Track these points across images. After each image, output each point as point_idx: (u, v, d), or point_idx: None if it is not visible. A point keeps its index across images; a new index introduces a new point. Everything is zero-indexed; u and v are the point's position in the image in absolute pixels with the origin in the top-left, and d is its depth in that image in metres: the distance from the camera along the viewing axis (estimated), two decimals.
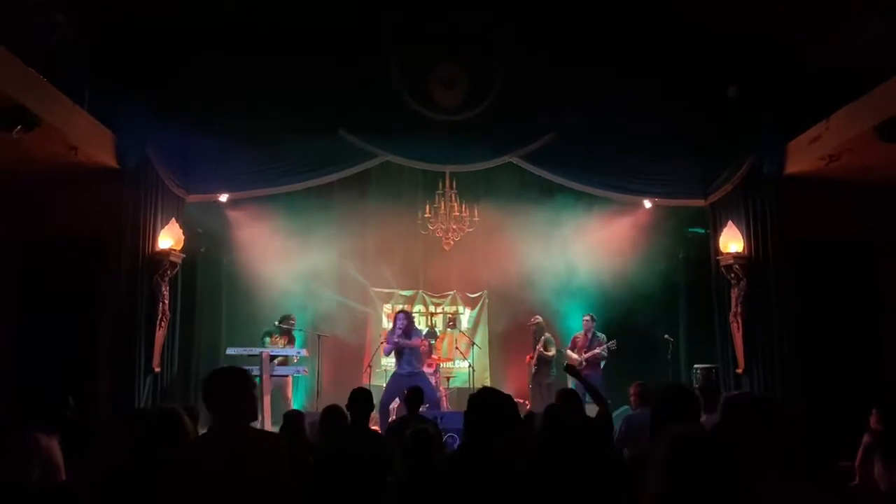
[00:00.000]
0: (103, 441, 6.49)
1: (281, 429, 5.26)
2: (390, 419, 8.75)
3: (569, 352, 9.88)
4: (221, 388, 2.77)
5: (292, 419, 5.16)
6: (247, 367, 8.30)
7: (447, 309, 11.70)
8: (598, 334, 9.70)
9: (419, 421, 5.49)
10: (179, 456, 2.80)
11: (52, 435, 4.07)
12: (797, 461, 2.00)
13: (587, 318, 9.77)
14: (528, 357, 10.31)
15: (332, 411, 4.90)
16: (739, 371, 8.12)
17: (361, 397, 4.49)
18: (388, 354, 8.89)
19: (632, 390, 5.87)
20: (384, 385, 10.19)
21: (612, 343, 9.44)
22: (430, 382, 8.96)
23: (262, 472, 2.67)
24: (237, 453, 2.64)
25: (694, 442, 1.83)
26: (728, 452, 1.81)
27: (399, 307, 11.46)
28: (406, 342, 8.58)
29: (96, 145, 7.24)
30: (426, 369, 9.96)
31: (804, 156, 7.59)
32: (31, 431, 4.02)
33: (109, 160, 7.50)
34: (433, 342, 10.93)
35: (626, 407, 9.04)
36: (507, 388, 11.07)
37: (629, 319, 10.05)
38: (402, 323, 8.66)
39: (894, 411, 4.93)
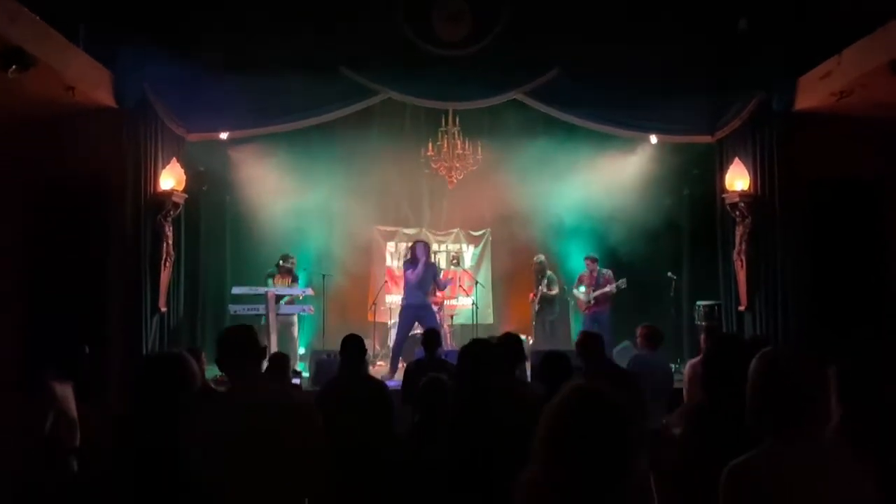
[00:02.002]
0: (115, 385, 6.60)
1: (265, 371, 5.28)
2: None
3: (576, 290, 9.93)
4: (237, 346, 2.84)
5: (278, 362, 5.16)
6: (253, 306, 8.48)
7: (450, 247, 11.70)
8: (604, 271, 9.74)
9: (438, 364, 5.52)
10: (214, 412, 2.83)
11: (66, 383, 4.10)
12: (810, 416, 2.01)
13: (589, 260, 9.78)
14: (531, 294, 10.37)
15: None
16: (741, 308, 8.17)
17: (353, 344, 4.51)
18: (409, 282, 8.83)
19: (639, 331, 5.92)
20: (388, 322, 10.33)
21: (623, 282, 9.47)
22: (436, 315, 9.03)
23: (294, 426, 2.72)
24: (269, 408, 2.68)
25: (584, 392, 1.85)
26: (620, 405, 1.83)
27: (403, 245, 11.51)
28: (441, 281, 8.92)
29: (93, 84, 7.09)
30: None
31: (815, 91, 7.43)
32: (46, 379, 4.06)
33: (107, 99, 7.37)
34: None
35: (626, 343, 9.21)
36: (510, 325, 11.21)
37: (632, 256, 10.07)
38: (423, 252, 8.75)
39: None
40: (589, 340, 4.86)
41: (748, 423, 2.08)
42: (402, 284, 9.58)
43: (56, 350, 4.29)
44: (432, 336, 5.83)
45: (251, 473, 2.67)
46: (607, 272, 9.73)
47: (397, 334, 8.77)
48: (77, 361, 4.22)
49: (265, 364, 6.01)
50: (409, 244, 9.55)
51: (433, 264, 8.98)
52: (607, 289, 9.54)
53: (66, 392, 4.02)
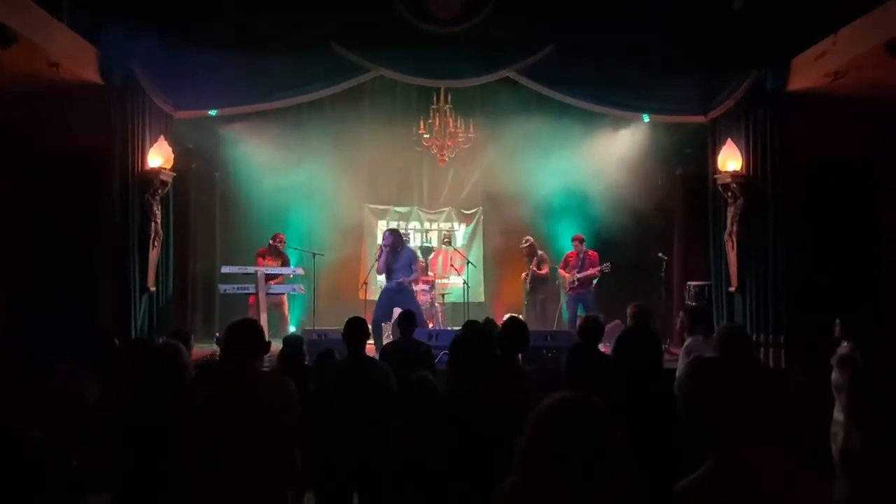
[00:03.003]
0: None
1: (280, 353, 5.29)
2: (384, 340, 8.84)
3: (561, 271, 9.86)
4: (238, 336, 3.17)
5: (292, 344, 5.16)
6: (242, 286, 8.42)
7: (442, 225, 11.66)
8: (589, 252, 9.65)
9: (413, 345, 5.52)
10: (202, 393, 3.09)
11: (88, 375, 3.89)
12: (765, 426, 1.97)
13: (576, 239, 9.72)
14: (523, 274, 10.35)
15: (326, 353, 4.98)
16: (732, 289, 8.18)
17: (357, 326, 4.47)
18: (380, 273, 8.86)
19: (628, 310, 5.88)
20: None
21: (607, 265, 9.39)
22: (415, 298, 9.00)
23: (271, 408, 2.98)
24: (250, 391, 2.97)
25: (564, 405, 1.82)
26: (603, 415, 1.79)
27: (394, 224, 11.45)
28: (409, 278, 8.64)
29: (78, 61, 6.99)
30: (422, 286, 10.04)
31: (809, 72, 7.39)
32: (66, 369, 3.90)
33: (93, 76, 7.27)
34: (428, 259, 10.95)
35: (616, 321, 9.23)
36: (502, 304, 11.24)
37: (624, 236, 10.04)
38: (387, 240, 8.61)
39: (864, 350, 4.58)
40: (594, 326, 5.00)
41: (686, 436, 2.01)
42: None
43: (86, 343, 4.13)
44: (408, 318, 5.78)
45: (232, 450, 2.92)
46: (593, 252, 9.65)
47: (374, 313, 8.70)
48: (109, 356, 4.04)
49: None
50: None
51: (404, 251, 8.76)
52: (591, 272, 9.45)
53: (88, 387, 3.83)
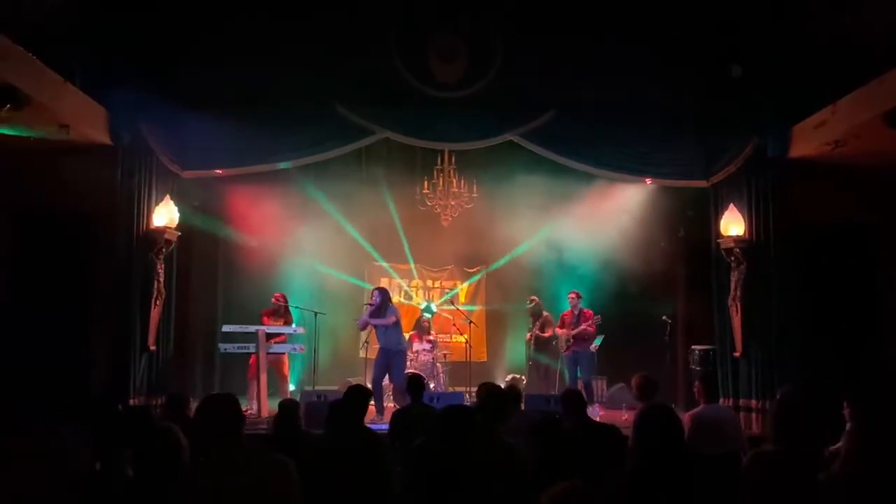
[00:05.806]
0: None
1: (275, 418, 5.23)
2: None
3: (558, 330, 9.71)
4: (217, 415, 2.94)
5: (287, 409, 5.11)
6: (243, 345, 8.33)
7: (445, 284, 11.64)
8: (584, 310, 9.36)
9: (424, 411, 5.42)
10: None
11: (84, 440, 3.79)
12: None
13: (572, 294, 9.56)
14: (528, 335, 10.24)
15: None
16: (737, 355, 8.09)
17: (357, 395, 4.40)
18: (362, 328, 9.11)
19: (633, 382, 5.69)
20: None
21: (597, 318, 9.17)
22: (404, 362, 8.88)
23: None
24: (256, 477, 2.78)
25: None
26: None
27: (396, 281, 11.46)
28: (373, 321, 8.65)
29: (88, 123, 7.10)
30: (425, 345, 9.96)
31: (809, 140, 7.48)
32: (62, 433, 3.81)
33: (102, 137, 7.38)
34: (430, 316, 10.89)
35: (622, 384, 9.09)
36: (504, 365, 11.15)
37: (627, 299, 9.99)
38: (375, 299, 8.66)
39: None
40: (571, 397, 5.05)
41: None
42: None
43: (83, 406, 4.06)
44: (417, 382, 5.71)
45: None
46: (588, 311, 9.38)
47: (373, 375, 8.63)
48: (106, 420, 3.95)
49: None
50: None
51: (386, 307, 8.77)
52: (583, 327, 9.14)
53: (83, 453, 3.72)
